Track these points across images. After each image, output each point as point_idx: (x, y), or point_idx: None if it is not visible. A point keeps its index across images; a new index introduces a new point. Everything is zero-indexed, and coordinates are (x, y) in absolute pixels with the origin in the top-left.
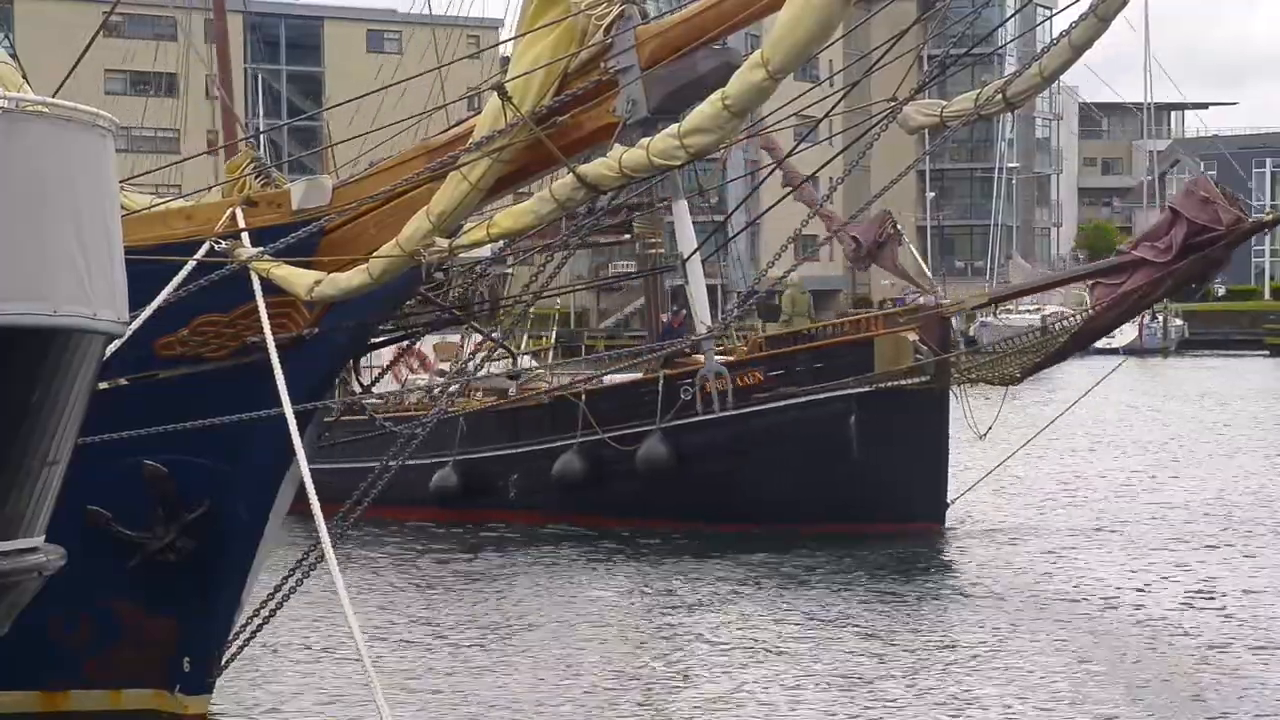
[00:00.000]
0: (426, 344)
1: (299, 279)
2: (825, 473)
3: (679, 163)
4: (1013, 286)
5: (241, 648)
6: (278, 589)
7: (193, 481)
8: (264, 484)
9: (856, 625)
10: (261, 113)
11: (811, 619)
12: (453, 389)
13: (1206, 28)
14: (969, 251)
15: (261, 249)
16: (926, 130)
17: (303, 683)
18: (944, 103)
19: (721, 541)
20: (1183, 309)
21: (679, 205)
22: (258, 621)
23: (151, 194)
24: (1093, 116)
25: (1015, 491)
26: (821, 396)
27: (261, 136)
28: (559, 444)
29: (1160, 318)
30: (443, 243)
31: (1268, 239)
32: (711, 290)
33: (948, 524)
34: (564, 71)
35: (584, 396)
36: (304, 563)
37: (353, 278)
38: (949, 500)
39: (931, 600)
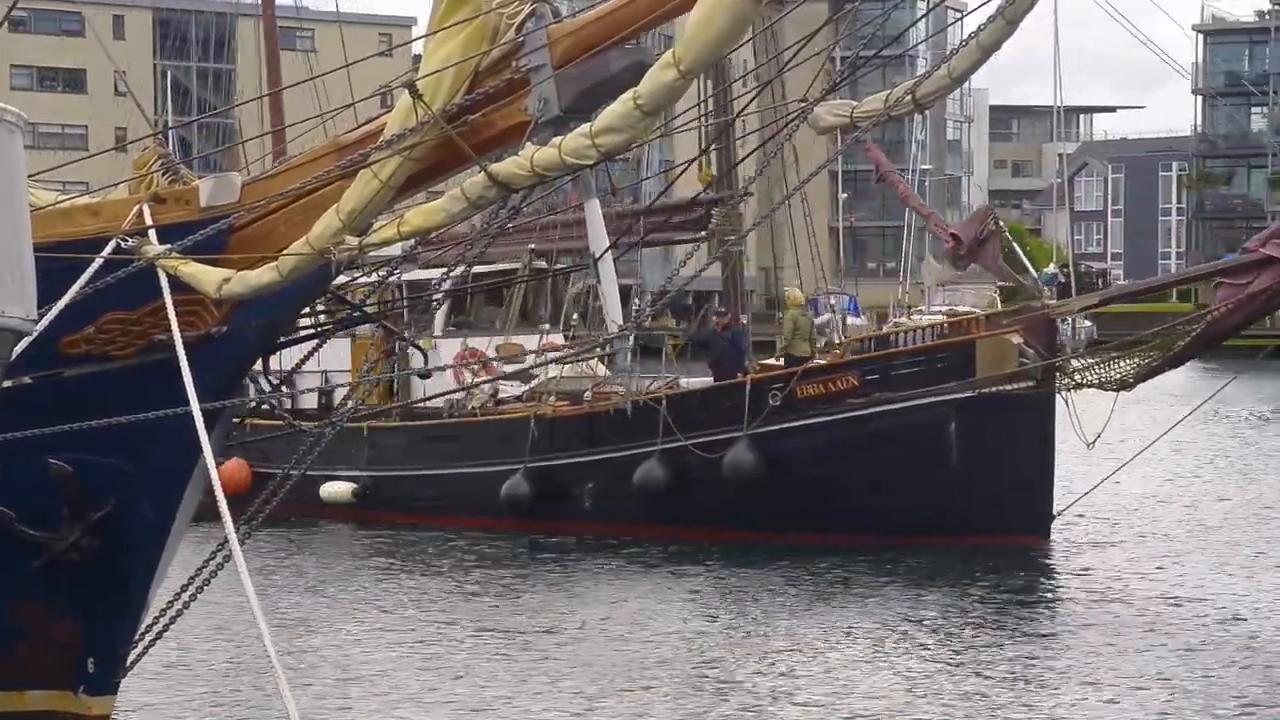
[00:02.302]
0: (490, 346)
1: (207, 276)
2: (923, 482)
3: (591, 162)
4: (1125, 286)
5: (147, 648)
6: (184, 589)
7: (99, 481)
8: (171, 483)
9: (955, 643)
10: (170, 109)
11: (907, 635)
12: (363, 388)
13: (1116, 31)
14: (881, 252)
15: (169, 246)
16: (838, 131)
17: (210, 684)
18: (854, 103)
19: (812, 553)
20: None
21: (591, 204)
22: (164, 622)
23: (58, 190)
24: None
25: (1126, 503)
26: (920, 402)
27: (170, 133)
28: (638, 451)
29: (1070, 318)
30: (353, 241)
31: (1173, 241)
32: (625, 289)
33: (1053, 537)
34: (475, 70)
35: (665, 401)
36: (211, 562)
37: (262, 275)
38: (1055, 512)
39: (1033, 618)
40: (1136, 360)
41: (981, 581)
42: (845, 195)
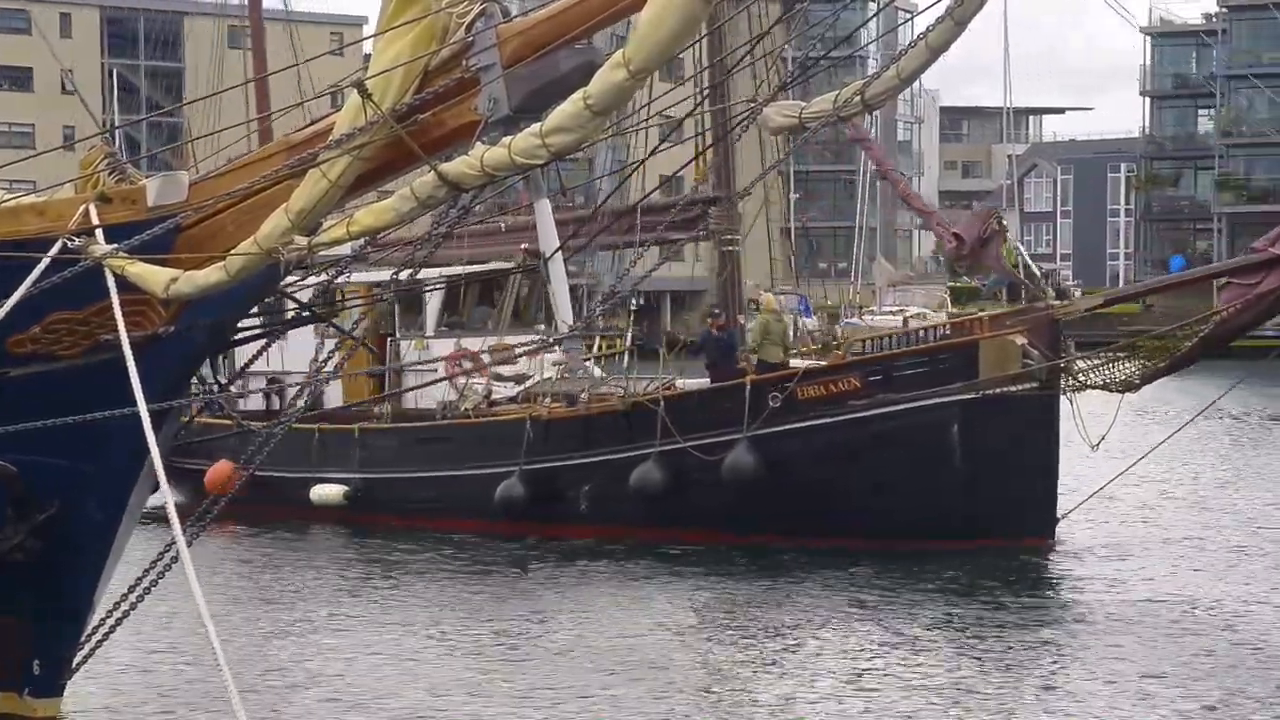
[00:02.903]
0: (483, 347)
1: (154, 276)
2: (926, 485)
3: (541, 162)
4: (1134, 286)
5: (94, 650)
6: (131, 589)
7: (45, 481)
8: (118, 484)
9: (958, 649)
10: (117, 108)
11: (909, 642)
12: (303, 387)
13: (1066, 33)
14: (833, 253)
15: (116, 246)
16: (788, 131)
17: (156, 686)
18: (804, 104)
19: (813, 557)
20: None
21: (541, 204)
22: (111, 623)
23: (4, 189)
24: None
25: (1132, 506)
26: (922, 404)
27: (118, 132)
28: (636, 453)
29: None
30: (301, 240)
31: (1122, 242)
32: (576, 290)
33: (1058, 540)
34: (425, 69)
35: (663, 402)
36: (158, 564)
37: (210, 275)
38: (1059, 514)
39: (1039, 623)
40: (1142, 361)
41: (985, 585)
42: (797, 196)
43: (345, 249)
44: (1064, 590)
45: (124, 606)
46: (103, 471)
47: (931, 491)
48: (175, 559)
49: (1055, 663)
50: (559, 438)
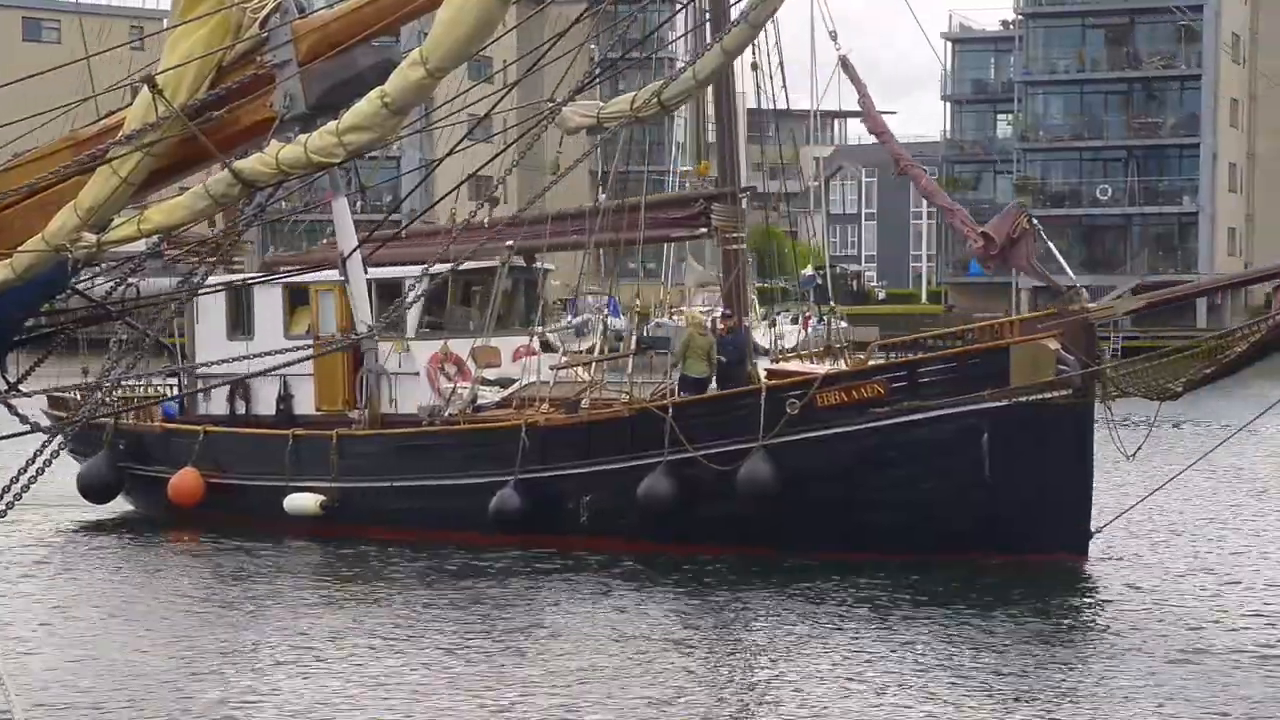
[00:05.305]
0: (464, 350)
1: None
2: (953, 497)
3: (337, 160)
4: (1172, 290)
5: None
6: None
7: None
8: None
9: (987, 669)
10: None
11: (932, 663)
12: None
13: (871, 39)
14: (641, 253)
15: None
16: (585, 131)
17: None
18: (601, 104)
19: (834, 573)
20: (847, 312)
21: (339, 203)
22: None
23: None
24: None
25: (1169, 520)
26: (950, 411)
27: None
28: (641, 462)
29: (826, 319)
30: (90, 238)
31: (924, 244)
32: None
33: (1091, 556)
34: (218, 65)
35: (672, 409)
36: None
37: None
38: (1094, 529)
39: (1072, 645)
40: (1185, 367)
41: (1015, 603)
42: (605, 196)
43: (141, 245)
44: (1098, 610)
45: None
46: None
47: (959, 504)
48: None
49: (1086, 686)
50: (558, 446)
